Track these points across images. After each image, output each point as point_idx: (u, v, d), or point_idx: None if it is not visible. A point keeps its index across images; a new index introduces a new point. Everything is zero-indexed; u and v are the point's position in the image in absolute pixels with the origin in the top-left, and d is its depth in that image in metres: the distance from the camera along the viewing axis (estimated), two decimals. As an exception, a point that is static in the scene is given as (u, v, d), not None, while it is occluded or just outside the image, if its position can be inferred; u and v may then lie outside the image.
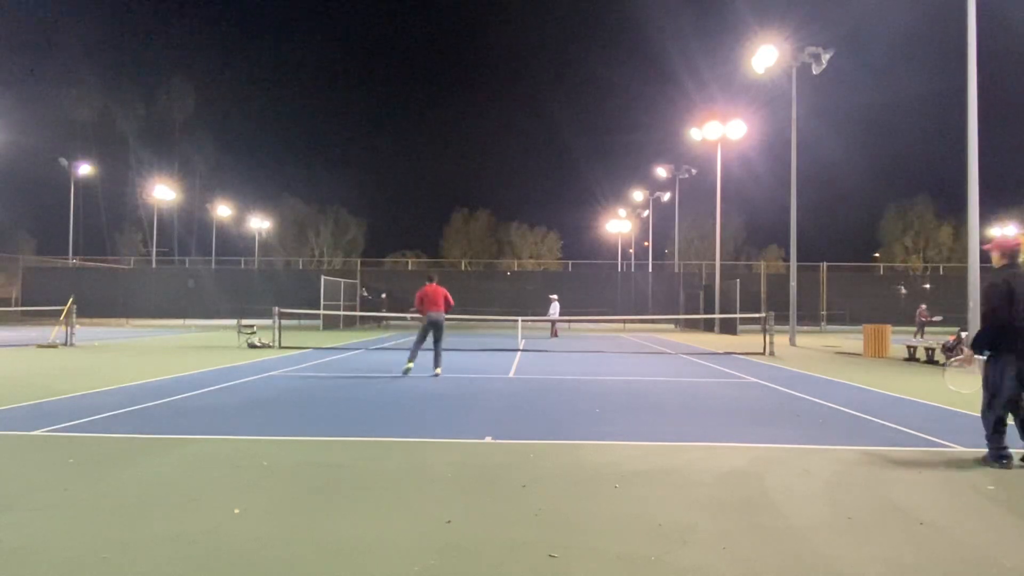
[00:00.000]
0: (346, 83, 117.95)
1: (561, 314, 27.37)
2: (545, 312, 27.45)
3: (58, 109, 60.74)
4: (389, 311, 30.68)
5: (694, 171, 39.59)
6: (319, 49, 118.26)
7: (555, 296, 27.10)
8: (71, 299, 20.02)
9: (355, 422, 7.74)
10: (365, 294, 30.49)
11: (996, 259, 5.85)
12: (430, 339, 12.15)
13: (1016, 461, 5.64)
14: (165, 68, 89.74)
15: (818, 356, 17.96)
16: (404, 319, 31.77)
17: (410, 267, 53.37)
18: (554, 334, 26.51)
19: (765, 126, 46.48)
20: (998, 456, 5.65)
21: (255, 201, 62.95)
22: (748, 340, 22.61)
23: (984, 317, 5.76)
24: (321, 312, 28.82)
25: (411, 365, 11.83)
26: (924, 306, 27.02)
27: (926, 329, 25.78)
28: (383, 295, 31.09)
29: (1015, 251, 5.77)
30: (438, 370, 11.88)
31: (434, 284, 12.30)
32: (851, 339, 25.32)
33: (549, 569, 3.48)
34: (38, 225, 62.37)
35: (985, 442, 5.76)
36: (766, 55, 23.20)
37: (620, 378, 12.24)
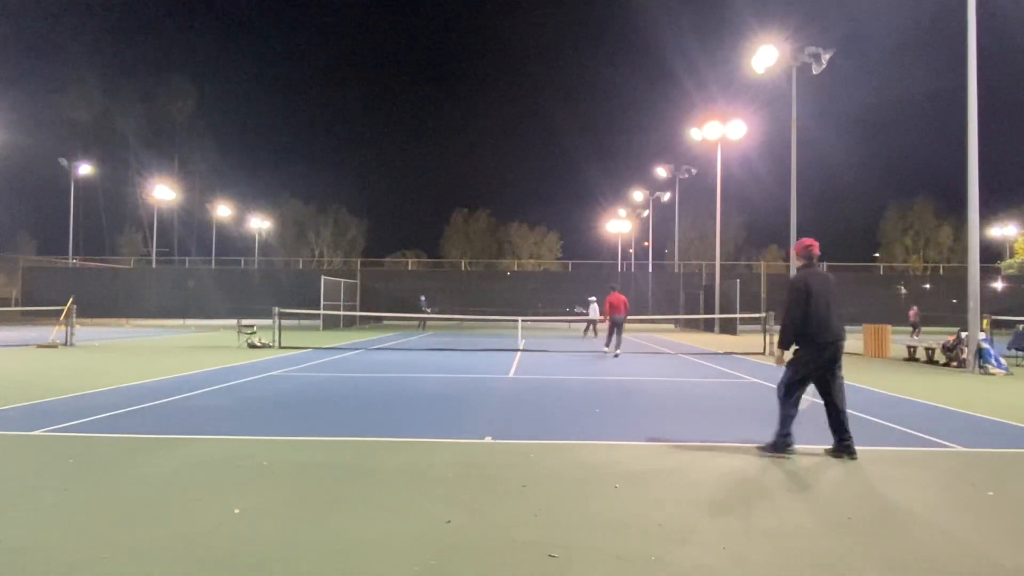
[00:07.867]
0: (346, 83, 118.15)
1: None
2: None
3: (58, 109, 60.70)
4: (424, 313, 31.10)
5: (694, 171, 39.58)
6: (320, 49, 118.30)
7: (594, 298, 26.24)
8: (71, 299, 20.03)
9: (355, 422, 7.74)
10: (423, 300, 31.37)
11: (796, 260, 6.43)
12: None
13: (823, 454, 6.02)
14: (165, 68, 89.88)
15: (818, 356, 17.92)
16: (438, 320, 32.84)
17: (410, 267, 53.32)
18: (593, 333, 26.33)
19: (765, 126, 46.49)
20: (784, 444, 6.00)
21: (255, 201, 63.01)
22: (748, 340, 22.60)
23: (785, 314, 6.07)
24: (321, 312, 28.82)
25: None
26: (916, 308, 28.97)
27: (921, 329, 26.88)
28: (423, 297, 31.61)
29: (810, 252, 6.27)
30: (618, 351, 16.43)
31: (616, 292, 16.90)
32: (851, 339, 25.24)
33: (549, 569, 3.48)
34: (38, 225, 62.39)
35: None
36: (766, 55, 23.19)
37: (620, 378, 12.24)
